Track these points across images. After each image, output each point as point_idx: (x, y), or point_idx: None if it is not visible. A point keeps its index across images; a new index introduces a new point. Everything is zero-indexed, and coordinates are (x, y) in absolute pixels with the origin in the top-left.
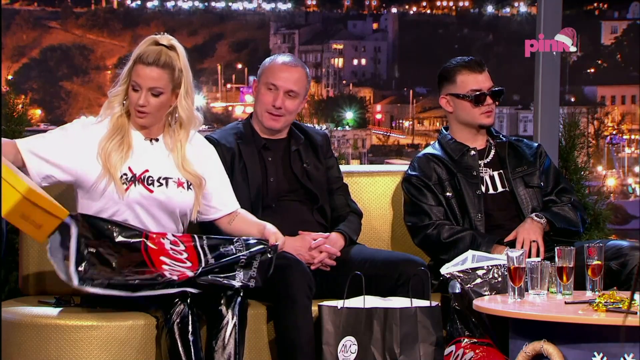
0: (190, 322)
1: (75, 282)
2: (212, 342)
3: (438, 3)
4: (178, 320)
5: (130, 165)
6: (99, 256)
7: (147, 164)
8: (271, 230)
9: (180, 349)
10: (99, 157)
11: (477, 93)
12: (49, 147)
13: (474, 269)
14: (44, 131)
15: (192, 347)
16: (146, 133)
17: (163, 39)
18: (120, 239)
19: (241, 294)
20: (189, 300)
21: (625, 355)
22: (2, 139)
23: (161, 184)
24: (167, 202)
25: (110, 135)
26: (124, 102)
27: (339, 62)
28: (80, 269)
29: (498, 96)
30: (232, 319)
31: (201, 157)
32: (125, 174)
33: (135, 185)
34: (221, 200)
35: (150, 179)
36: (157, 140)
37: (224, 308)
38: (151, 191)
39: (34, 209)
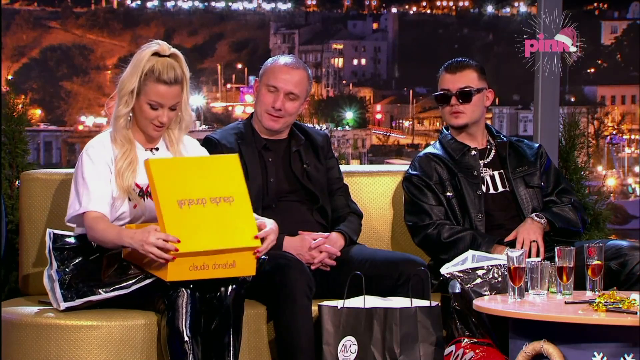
0: (191, 308)
1: (62, 305)
2: (209, 329)
3: (438, 3)
4: (182, 304)
5: (137, 181)
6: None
7: None
8: (267, 229)
9: (184, 330)
10: (115, 177)
11: (440, 92)
12: (107, 190)
13: (474, 269)
14: (44, 131)
15: (190, 334)
16: (146, 143)
17: (164, 49)
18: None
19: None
20: (191, 286)
21: (625, 355)
22: (103, 231)
23: None
24: None
25: (122, 155)
26: (130, 116)
27: (339, 62)
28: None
29: (464, 97)
30: (229, 306)
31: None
32: (133, 189)
33: (144, 200)
34: None
35: None
36: (157, 149)
37: (220, 295)
38: None
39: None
